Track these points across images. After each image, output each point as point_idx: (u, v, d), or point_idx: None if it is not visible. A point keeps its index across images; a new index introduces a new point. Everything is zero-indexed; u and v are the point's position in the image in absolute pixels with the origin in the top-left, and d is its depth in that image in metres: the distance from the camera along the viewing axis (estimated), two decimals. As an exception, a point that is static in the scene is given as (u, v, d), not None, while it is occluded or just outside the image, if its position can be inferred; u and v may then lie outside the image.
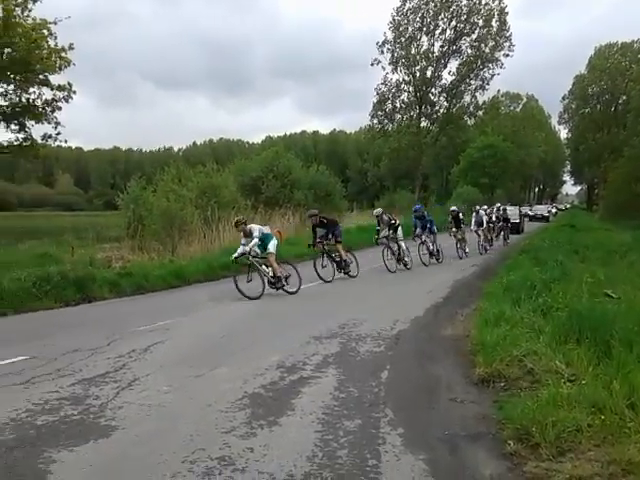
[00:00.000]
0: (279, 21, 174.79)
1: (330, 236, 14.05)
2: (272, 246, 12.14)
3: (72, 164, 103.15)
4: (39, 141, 15.55)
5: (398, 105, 46.86)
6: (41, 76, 14.50)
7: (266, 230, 12.50)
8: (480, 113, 50.90)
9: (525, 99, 78.51)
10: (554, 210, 64.09)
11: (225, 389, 5.55)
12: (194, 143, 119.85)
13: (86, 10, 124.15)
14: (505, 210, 25.96)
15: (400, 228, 16.05)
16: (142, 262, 15.56)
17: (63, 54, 14.42)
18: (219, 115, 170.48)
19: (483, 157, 54.14)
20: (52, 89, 14.96)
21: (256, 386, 5.65)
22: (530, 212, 52.76)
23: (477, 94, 47.49)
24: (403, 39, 44.92)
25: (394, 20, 44.98)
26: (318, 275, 13.41)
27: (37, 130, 15.58)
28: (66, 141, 16.29)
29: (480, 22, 44.80)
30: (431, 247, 17.22)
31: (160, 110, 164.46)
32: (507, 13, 44.98)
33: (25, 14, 13.94)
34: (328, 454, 4.08)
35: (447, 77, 46.51)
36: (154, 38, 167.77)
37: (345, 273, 14.21)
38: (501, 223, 24.94)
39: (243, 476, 3.72)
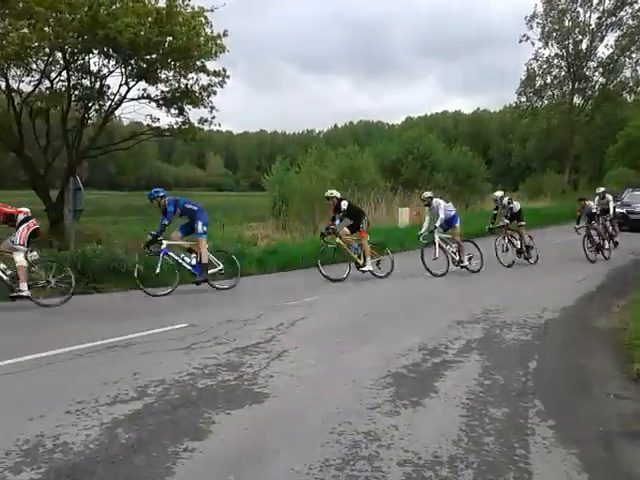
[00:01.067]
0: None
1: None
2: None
3: (222, 147, 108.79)
4: (196, 124, 16.64)
5: (549, 81, 44.10)
6: (198, 62, 15.44)
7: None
8: (641, 89, 46.31)
9: (694, 72, 70.23)
10: None
11: (369, 367, 5.65)
12: (335, 125, 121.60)
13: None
14: (603, 198, 16.64)
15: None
16: (285, 241, 16.22)
17: (218, 41, 15.20)
18: (360, 97, 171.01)
19: (645, 136, 49.39)
20: (208, 75, 15.86)
21: (399, 366, 5.70)
22: None
23: (639, 68, 43.30)
24: (555, 12, 42.01)
25: (546, -8, 42.14)
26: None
27: (194, 114, 16.68)
28: (220, 124, 17.25)
29: (646, -11, 40.64)
30: None
31: (304, 93, 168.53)
32: (678, -23, 40.31)
33: (185, 3, 14.90)
34: (474, 440, 4.02)
35: (604, 50, 42.85)
36: (301, 22, 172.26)
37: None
38: (588, 223, 14.79)
39: (388, 452, 3.78)
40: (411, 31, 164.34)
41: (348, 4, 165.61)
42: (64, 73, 15.44)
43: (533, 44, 42.58)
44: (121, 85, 15.85)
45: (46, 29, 13.25)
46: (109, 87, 16.19)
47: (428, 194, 12.97)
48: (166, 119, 17.93)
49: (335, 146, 33.55)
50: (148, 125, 17.13)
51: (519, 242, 14.06)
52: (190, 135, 16.92)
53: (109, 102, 16.29)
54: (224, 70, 16.05)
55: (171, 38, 14.59)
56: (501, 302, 9.10)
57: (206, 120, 16.59)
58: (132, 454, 3.70)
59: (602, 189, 17.14)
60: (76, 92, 15.81)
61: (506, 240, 13.79)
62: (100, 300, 9.25)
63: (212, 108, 16.39)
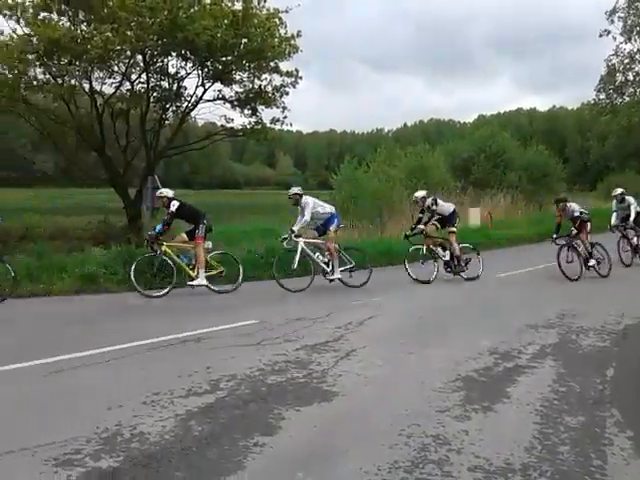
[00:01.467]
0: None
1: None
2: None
3: (292, 147, 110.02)
4: (268, 125, 16.92)
5: (631, 78, 41.99)
6: (272, 63, 15.68)
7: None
8: None
9: None
10: None
11: (438, 369, 5.59)
12: (405, 124, 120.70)
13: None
14: (622, 201, 13.85)
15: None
16: (353, 240, 16.22)
17: (292, 41, 15.38)
18: (431, 95, 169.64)
19: None
20: (281, 75, 16.10)
21: (469, 369, 5.60)
22: None
23: None
24: (639, 4, 39.91)
25: (630, -16, 40.06)
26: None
27: (266, 114, 16.96)
28: (291, 124, 17.42)
29: None
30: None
31: (375, 92, 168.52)
32: None
33: (260, 5, 15.16)
34: (548, 448, 3.90)
35: (693, 45, 40.29)
36: (374, 21, 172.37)
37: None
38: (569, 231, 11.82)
39: (459, 457, 3.73)
40: (485, 28, 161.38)
41: (422, 3, 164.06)
42: (144, 75, 16.04)
43: (615, 39, 40.70)
44: (197, 87, 16.33)
45: (128, 33, 13.80)
46: (186, 88, 16.72)
47: (294, 190, 10.65)
48: (239, 119, 18.29)
49: (404, 145, 33.31)
50: (222, 126, 17.59)
51: (447, 253, 11.50)
52: (262, 135, 17.23)
53: (185, 103, 16.81)
54: (297, 70, 16.25)
55: (246, 40, 14.86)
56: (577, 307, 8.77)
57: (278, 120, 16.85)
58: (205, 446, 3.81)
59: (619, 190, 13.97)
60: (155, 94, 16.39)
61: (424, 250, 11.38)
62: (174, 295, 9.54)
63: (284, 108, 16.63)
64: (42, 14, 14.43)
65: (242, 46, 14.87)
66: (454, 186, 25.56)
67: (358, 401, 4.74)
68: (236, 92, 16.44)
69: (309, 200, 10.44)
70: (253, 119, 16.86)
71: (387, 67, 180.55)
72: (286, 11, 15.27)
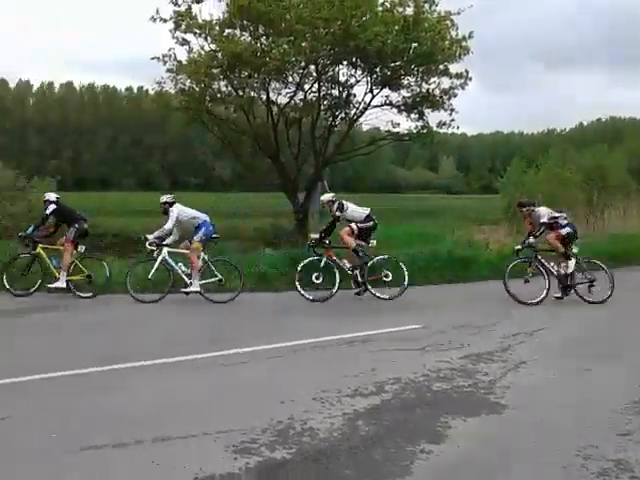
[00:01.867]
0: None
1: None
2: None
3: (455, 149, 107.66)
4: (434, 128, 16.75)
5: None
6: (441, 66, 15.51)
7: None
8: None
9: None
10: None
11: (618, 387, 5.21)
12: (580, 124, 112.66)
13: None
14: None
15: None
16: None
17: (463, 43, 15.07)
18: (610, 92, 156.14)
19: None
20: (450, 78, 15.85)
21: (654, 391, 5.13)
22: None
23: None
24: None
25: None
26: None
27: (432, 117, 16.78)
28: (458, 127, 17.09)
29: None
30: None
31: (547, 91, 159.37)
32: None
33: (432, 8, 15.06)
34: None
35: None
36: (545, 17, 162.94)
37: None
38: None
39: (643, 486, 3.45)
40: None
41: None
42: (315, 84, 16.69)
43: None
44: (366, 93, 16.64)
45: (303, 44, 14.46)
46: (355, 96, 17.10)
47: (163, 199, 9.87)
48: (405, 124, 18.25)
49: (579, 145, 31.21)
50: (387, 131, 17.71)
51: (358, 271, 9.70)
52: (428, 139, 17.09)
53: (354, 110, 17.19)
54: (466, 72, 15.88)
55: (416, 44, 14.83)
56: None
57: (445, 123, 16.61)
58: (371, 447, 3.89)
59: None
60: (325, 102, 16.98)
61: (324, 262, 9.70)
62: (338, 297, 9.66)
63: (452, 111, 16.34)
64: (227, 31, 15.63)
65: (412, 51, 14.83)
66: (636, 189, 23.50)
67: (529, 416, 4.54)
68: (403, 97, 16.48)
69: (175, 209, 9.79)
70: (420, 123, 16.78)
71: (561, 64, 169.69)
72: (458, 13, 15.04)
